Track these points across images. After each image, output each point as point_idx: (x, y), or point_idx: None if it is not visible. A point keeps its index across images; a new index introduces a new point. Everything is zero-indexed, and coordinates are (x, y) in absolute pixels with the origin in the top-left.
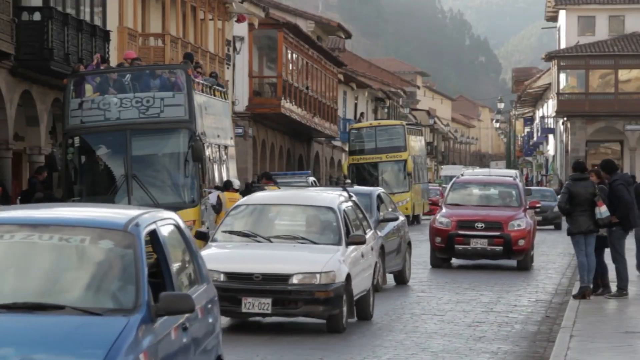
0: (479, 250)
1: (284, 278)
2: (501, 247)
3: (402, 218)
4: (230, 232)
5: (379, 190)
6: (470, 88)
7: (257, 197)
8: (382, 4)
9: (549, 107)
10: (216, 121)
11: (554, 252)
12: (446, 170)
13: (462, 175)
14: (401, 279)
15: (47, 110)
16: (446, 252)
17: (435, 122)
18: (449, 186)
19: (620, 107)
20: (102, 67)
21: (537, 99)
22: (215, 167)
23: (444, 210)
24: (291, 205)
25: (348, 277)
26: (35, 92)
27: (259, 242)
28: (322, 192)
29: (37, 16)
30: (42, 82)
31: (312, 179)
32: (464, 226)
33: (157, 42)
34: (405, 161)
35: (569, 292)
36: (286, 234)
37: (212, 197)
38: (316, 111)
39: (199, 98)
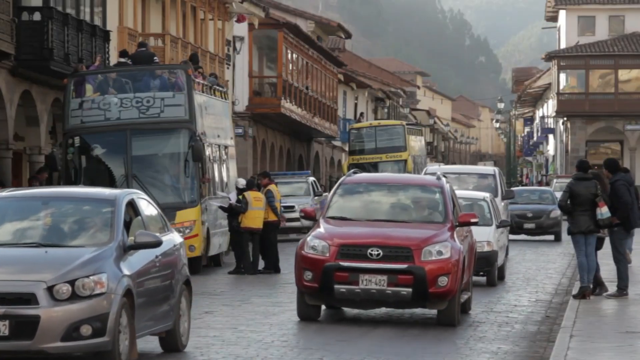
0: (374, 294)
1: None
2: (409, 289)
3: None
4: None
5: None
6: (470, 88)
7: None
8: (382, 4)
9: (549, 107)
10: (216, 121)
11: (554, 252)
12: (431, 169)
13: (354, 172)
14: None
15: (47, 110)
16: (321, 295)
17: (435, 122)
18: (333, 189)
19: (620, 107)
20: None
21: (537, 99)
22: (216, 167)
23: (321, 227)
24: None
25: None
26: (35, 92)
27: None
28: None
29: (37, 16)
30: (42, 82)
31: (312, 179)
32: (349, 254)
33: (157, 42)
34: (405, 161)
35: (569, 292)
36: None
37: (232, 197)
38: (316, 111)
39: (199, 98)
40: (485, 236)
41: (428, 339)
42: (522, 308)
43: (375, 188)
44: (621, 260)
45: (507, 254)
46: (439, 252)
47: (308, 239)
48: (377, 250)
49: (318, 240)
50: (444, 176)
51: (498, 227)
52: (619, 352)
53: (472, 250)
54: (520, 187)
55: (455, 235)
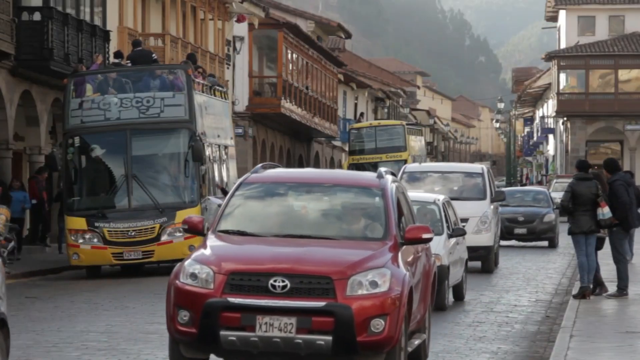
0: (278, 345)
1: None
2: (328, 338)
3: None
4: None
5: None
6: (470, 88)
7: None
8: (382, 4)
9: (549, 107)
10: (216, 121)
11: (554, 252)
12: (410, 167)
13: (263, 167)
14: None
15: (47, 110)
16: (202, 345)
17: (435, 122)
18: (231, 191)
19: (620, 107)
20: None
21: (537, 99)
22: (216, 167)
23: (207, 247)
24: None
25: None
26: (35, 92)
27: None
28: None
29: (37, 16)
30: (42, 82)
31: None
32: (243, 286)
33: (157, 42)
34: (405, 161)
35: (569, 292)
36: None
37: None
38: (316, 111)
39: (199, 98)
40: (433, 248)
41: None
42: (522, 308)
43: (289, 190)
44: (621, 260)
45: (466, 268)
46: (373, 283)
47: (186, 263)
48: (283, 281)
49: (200, 266)
50: (391, 174)
51: (450, 236)
52: (619, 352)
53: (429, 275)
54: (512, 188)
55: (399, 258)
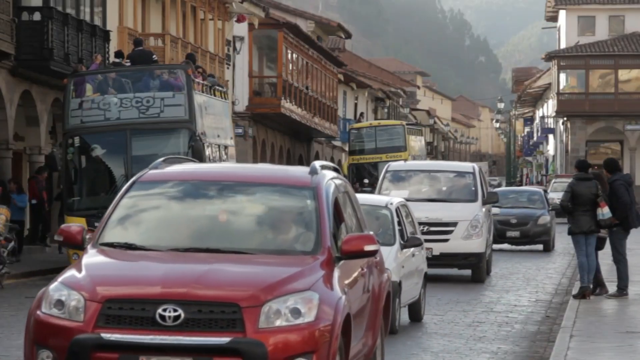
0: None
1: None
2: None
3: None
4: None
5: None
6: (470, 88)
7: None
8: (382, 4)
9: (549, 107)
10: (216, 121)
11: (554, 252)
12: (394, 165)
13: (165, 162)
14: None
15: (47, 110)
16: None
17: (435, 122)
18: (118, 195)
19: (620, 107)
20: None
21: (537, 99)
22: None
23: (81, 266)
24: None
25: None
26: (35, 92)
27: None
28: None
29: (37, 16)
30: (42, 82)
31: None
32: (123, 317)
33: (157, 42)
34: (405, 161)
35: (569, 292)
36: None
37: None
38: (316, 111)
39: (199, 98)
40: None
41: (427, 338)
42: (522, 308)
43: (196, 190)
44: (621, 260)
45: (424, 284)
46: (295, 312)
47: (51, 287)
48: (175, 310)
49: (68, 291)
50: (333, 169)
51: (404, 247)
52: (619, 352)
53: (379, 297)
54: (505, 188)
55: (334, 277)
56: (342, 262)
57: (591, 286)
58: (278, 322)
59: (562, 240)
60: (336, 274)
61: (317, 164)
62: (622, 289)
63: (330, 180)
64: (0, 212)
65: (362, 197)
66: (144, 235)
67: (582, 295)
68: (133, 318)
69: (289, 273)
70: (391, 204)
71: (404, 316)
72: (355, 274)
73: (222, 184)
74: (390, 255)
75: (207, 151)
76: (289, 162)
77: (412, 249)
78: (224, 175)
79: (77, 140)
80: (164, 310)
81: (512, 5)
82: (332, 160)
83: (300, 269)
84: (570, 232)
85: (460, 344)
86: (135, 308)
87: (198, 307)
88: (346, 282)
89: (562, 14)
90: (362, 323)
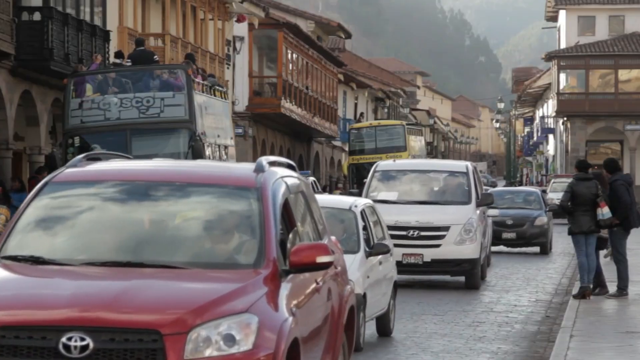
0: None
1: None
2: None
3: None
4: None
5: None
6: (470, 88)
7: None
8: (382, 4)
9: (549, 107)
10: (216, 121)
11: (554, 252)
12: (383, 164)
13: (85, 158)
14: None
15: (47, 110)
16: None
17: (435, 122)
18: (26, 199)
19: (620, 107)
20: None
21: (537, 99)
22: None
23: None
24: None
25: None
26: (35, 92)
27: None
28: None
29: (37, 16)
30: (42, 82)
31: (312, 179)
32: (18, 348)
33: (157, 42)
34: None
35: (569, 292)
36: None
37: None
38: (316, 111)
39: (199, 98)
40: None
41: (426, 338)
42: (522, 308)
43: (119, 192)
44: (621, 260)
45: (394, 294)
46: (229, 338)
47: None
48: (83, 339)
49: None
50: (287, 165)
51: (369, 254)
52: (619, 352)
53: (340, 313)
54: (501, 188)
55: (280, 294)
56: (290, 275)
57: (591, 286)
58: (208, 352)
59: (562, 241)
60: (283, 291)
61: (265, 159)
62: (622, 289)
63: (280, 179)
64: (0, 212)
65: (324, 199)
66: (55, 246)
67: (582, 295)
68: (32, 349)
69: (223, 292)
70: (356, 206)
71: (400, 322)
72: (308, 290)
73: (151, 185)
74: (353, 264)
75: (207, 151)
76: None
77: (379, 257)
78: (154, 174)
79: (77, 140)
80: (69, 339)
81: (512, 5)
82: (332, 160)
83: (237, 286)
84: (570, 232)
85: (460, 344)
86: (34, 337)
87: (110, 335)
88: (295, 300)
89: (562, 14)
90: (318, 345)
